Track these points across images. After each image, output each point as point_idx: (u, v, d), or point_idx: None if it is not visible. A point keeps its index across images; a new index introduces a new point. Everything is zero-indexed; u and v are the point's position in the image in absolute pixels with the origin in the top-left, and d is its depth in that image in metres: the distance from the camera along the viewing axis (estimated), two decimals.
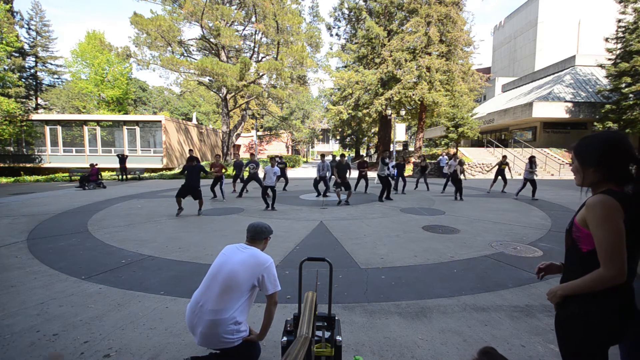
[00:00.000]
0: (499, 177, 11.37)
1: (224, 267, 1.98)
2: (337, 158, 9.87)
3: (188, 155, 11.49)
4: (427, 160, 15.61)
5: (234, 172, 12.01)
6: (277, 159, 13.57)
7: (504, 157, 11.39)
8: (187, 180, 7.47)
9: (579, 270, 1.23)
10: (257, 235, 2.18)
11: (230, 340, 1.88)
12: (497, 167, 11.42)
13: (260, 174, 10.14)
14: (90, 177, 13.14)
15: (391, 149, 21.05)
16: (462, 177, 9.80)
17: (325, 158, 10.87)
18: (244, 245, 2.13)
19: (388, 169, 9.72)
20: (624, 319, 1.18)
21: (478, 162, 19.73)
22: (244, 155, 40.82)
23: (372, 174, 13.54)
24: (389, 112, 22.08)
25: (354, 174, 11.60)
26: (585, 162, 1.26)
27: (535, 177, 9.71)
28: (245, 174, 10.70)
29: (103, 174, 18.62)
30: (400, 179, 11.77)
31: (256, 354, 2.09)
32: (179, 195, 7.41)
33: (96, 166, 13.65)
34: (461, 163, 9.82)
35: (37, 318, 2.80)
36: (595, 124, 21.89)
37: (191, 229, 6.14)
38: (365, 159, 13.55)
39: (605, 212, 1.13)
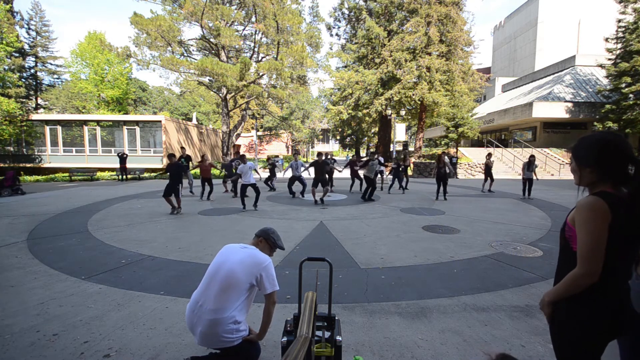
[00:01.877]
0: (488, 176, 11.64)
1: (222, 266, 1.99)
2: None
3: (182, 151, 11.40)
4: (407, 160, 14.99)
5: (223, 173, 11.78)
6: (271, 159, 13.55)
7: (489, 154, 11.72)
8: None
9: (571, 269, 1.24)
10: (258, 233, 2.25)
11: (230, 339, 1.88)
12: (485, 165, 11.73)
13: (261, 174, 10.13)
14: (5, 183, 11.22)
15: (391, 149, 21.02)
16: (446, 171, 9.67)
17: (298, 157, 10.89)
18: (243, 245, 2.14)
19: (379, 172, 9.75)
20: (610, 319, 1.19)
21: (478, 162, 19.72)
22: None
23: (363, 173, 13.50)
24: (389, 112, 22.07)
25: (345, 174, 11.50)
26: (582, 162, 1.27)
27: (533, 177, 9.91)
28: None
29: (103, 174, 18.65)
30: (397, 179, 11.95)
31: (256, 354, 2.09)
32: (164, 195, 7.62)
33: (12, 170, 11.83)
34: (439, 160, 9.68)
35: (37, 318, 2.80)
36: (595, 124, 21.87)
37: (191, 229, 6.14)
38: (353, 158, 13.26)
39: (591, 214, 1.15)
